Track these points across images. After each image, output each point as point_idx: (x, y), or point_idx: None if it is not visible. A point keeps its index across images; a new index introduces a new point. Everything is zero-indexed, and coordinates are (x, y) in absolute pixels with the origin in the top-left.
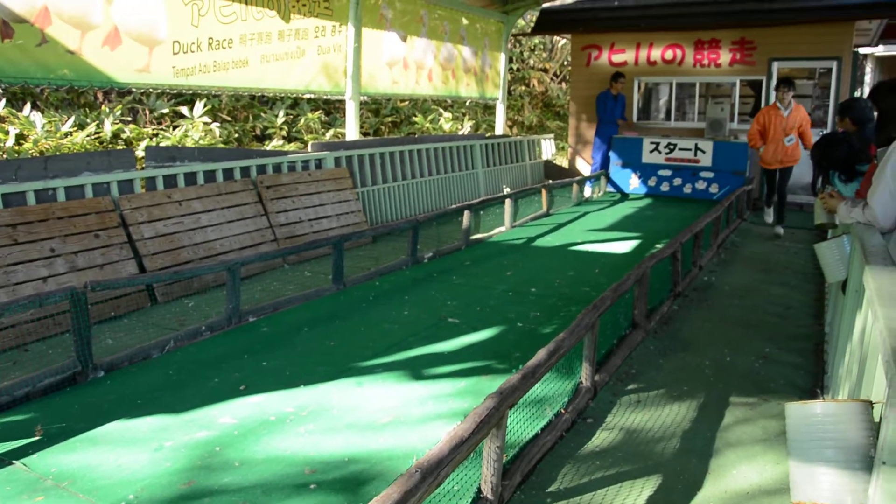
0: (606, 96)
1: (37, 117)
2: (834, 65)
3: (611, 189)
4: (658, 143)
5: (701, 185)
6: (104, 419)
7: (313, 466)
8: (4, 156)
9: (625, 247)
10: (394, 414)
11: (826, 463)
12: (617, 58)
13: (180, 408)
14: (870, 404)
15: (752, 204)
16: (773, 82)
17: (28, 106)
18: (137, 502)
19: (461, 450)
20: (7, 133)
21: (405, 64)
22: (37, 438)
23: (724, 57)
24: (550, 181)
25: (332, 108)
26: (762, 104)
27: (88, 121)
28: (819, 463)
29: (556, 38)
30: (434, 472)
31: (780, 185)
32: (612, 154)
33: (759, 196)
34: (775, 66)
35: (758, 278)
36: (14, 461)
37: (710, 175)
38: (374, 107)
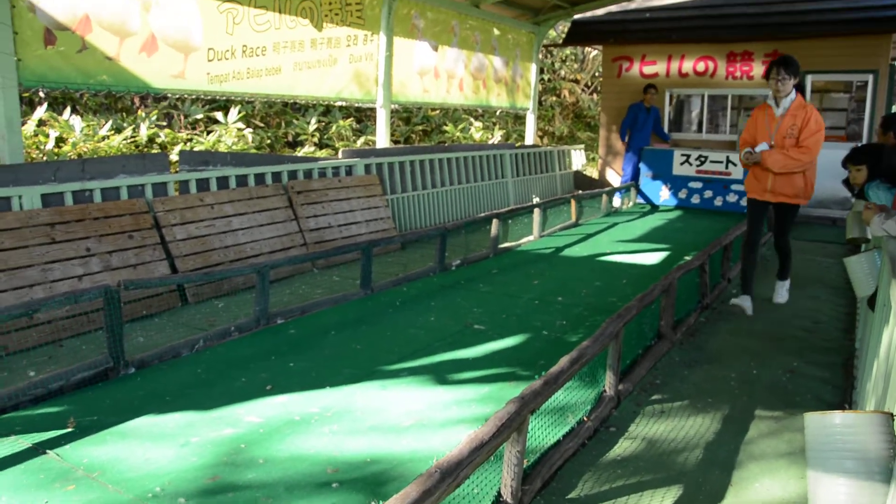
0: (639, 108)
1: (76, 121)
2: (870, 78)
3: (640, 200)
4: (689, 156)
5: (732, 198)
6: (134, 414)
7: (336, 466)
8: (45, 158)
9: (653, 258)
10: (417, 417)
11: (845, 474)
12: (648, 69)
13: (208, 405)
14: (891, 416)
15: None
16: (808, 96)
17: (68, 110)
18: (164, 495)
19: (481, 452)
20: (48, 136)
21: (436, 73)
22: (69, 430)
23: (757, 69)
24: (580, 191)
25: (363, 116)
26: None
27: (125, 125)
28: (838, 474)
29: (587, 49)
30: (453, 472)
31: (777, 229)
32: (642, 165)
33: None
34: (809, 79)
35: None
36: (48, 451)
37: (742, 188)
38: (405, 115)
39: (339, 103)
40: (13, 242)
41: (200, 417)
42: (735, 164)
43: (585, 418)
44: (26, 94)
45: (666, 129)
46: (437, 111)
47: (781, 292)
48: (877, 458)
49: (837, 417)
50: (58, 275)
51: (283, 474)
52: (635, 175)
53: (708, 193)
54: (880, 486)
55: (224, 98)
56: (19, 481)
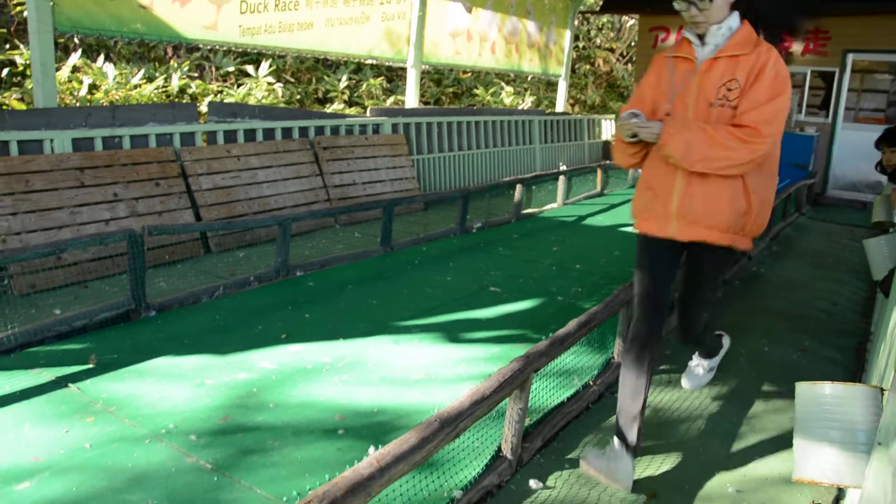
0: None
1: (109, 69)
2: None
3: None
4: None
5: None
6: (152, 354)
7: (343, 413)
8: (77, 103)
9: None
10: (425, 372)
11: (831, 443)
12: None
13: (223, 350)
14: (880, 390)
15: (812, 199)
16: (847, 75)
17: (102, 57)
18: (177, 431)
19: (481, 406)
20: (81, 82)
21: (469, 35)
22: (91, 366)
23: (796, 46)
24: (608, 161)
25: (394, 76)
26: (832, 99)
27: (157, 74)
28: (824, 443)
29: (624, 17)
30: (453, 423)
31: (683, 295)
32: None
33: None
34: (850, 58)
35: (808, 273)
36: (69, 384)
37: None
38: (436, 76)
39: (370, 61)
40: (44, 184)
41: (216, 361)
42: None
43: (591, 382)
44: (61, 40)
45: None
46: (469, 74)
47: (697, 371)
48: (864, 429)
49: (827, 388)
50: (85, 218)
51: (292, 419)
52: None
53: None
54: (863, 456)
55: (255, 51)
56: (42, 410)
